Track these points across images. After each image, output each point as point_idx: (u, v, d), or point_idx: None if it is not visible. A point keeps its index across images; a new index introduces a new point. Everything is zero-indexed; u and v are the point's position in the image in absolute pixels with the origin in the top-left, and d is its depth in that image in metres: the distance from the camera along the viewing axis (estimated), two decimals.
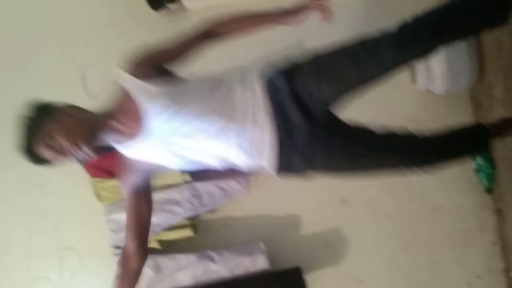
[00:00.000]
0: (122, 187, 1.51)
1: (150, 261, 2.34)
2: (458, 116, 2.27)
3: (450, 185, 2.29)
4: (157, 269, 2.36)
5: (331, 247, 2.39)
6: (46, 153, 1.33)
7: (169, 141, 1.40)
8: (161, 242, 2.37)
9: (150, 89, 1.36)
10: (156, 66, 1.40)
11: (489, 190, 2.25)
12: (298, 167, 1.45)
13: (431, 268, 2.30)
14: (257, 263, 2.33)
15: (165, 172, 1.59)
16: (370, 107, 2.29)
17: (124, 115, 1.40)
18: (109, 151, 2.42)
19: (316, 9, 1.38)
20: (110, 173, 2.39)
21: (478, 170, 2.22)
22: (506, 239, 2.22)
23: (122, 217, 2.35)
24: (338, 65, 1.38)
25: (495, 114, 2.07)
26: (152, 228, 2.31)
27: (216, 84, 1.40)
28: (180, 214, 2.38)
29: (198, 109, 1.36)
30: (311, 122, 1.39)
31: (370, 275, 2.34)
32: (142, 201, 1.50)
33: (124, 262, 1.49)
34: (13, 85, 2.66)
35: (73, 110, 1.38)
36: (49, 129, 1.32)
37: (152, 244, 2.38)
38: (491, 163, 2.18)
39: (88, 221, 2.41)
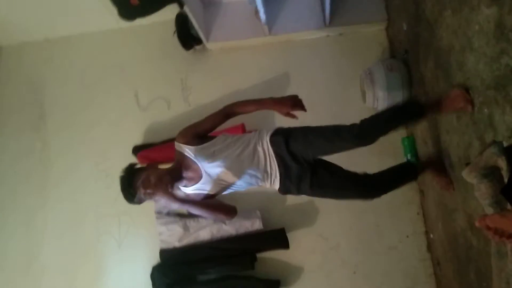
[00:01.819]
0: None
1: (180, 222, 2.99)
2: None
3: None
4: (186, 228, 3.01)
5: (305, 214, 3.01)
6: (141, 190, 1.83)
7: (215, 179, 1.95)
8: None
9: (196, 150, 1.93)
10: (198, 136, 1.99)
11: None
12: (292, 191, 2.10)
13: (375, 229, 2.94)
14: (254, 225, 2.95)
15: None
16: (331, 119, 2.97)
17: (186, 169, 1.95)
18: (155, 146, 3.11)
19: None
20: (155, 162, 2.95)
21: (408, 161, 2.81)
22: (426, 210, 2.86)
23: None
24: (317, 140, 1.99)
25: (420, 125, 2.67)
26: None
27: (243, 143, 2.00)
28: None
29: (232, 159, 1.96)
30: (300, 167, 2.03)
31: (332, 234, 2.98)
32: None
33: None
34: (87, 102, 3.45)
35: (153, 167, 1.97)
36: (146, 174, 1.85)
37: (182, 211, 3.00)
38: (417, 157, 2.82)
39: None
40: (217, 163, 1.94)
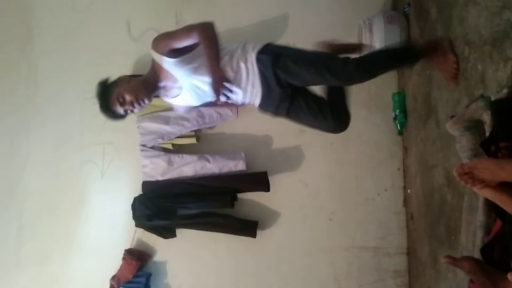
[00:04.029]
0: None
1: (164, 157, 3.02)
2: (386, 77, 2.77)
3: (375, 127, 2.99)
4: (170, 163, 3.03)
5: (289, 160, 3.05)
6: (119, 108, 1.88)
7: (192, 85, 1.96)
8: (173, 145, 3.08)
9: (176, 63, 1.90)
10: (173, 50, 1.91)
11: (400, 133, 2.92)
12: (271, 109, 2.10)
13: (355, 180, 2.99)
14: (238, 166, 2.97)
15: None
16: None
17: (165, 79, 1.96)
18: None
19: None
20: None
21: (394, 119, 2.89)
22: (407, 167, 2.93)
23: (148, 125, 3.03)
24: (307, 72, 1.92)
25: (412, 81, 2.68)
26: (168, 135, 3.03)
27: (225, 58, 1.94)
28: (189, 127, 3.02)
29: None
30: (282, 91, 2.01)
31: (313, 181, 3.04)
32: None
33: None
34: (77, 27, 3.36)
35: (129, 78, 2.00)
36: (118, 92, 1.85)
37: (167, 146, 3.06)
38: (405, 114, 2.85)
39: (124, 127, 2.79)
40: (198, 77, 1.94)
